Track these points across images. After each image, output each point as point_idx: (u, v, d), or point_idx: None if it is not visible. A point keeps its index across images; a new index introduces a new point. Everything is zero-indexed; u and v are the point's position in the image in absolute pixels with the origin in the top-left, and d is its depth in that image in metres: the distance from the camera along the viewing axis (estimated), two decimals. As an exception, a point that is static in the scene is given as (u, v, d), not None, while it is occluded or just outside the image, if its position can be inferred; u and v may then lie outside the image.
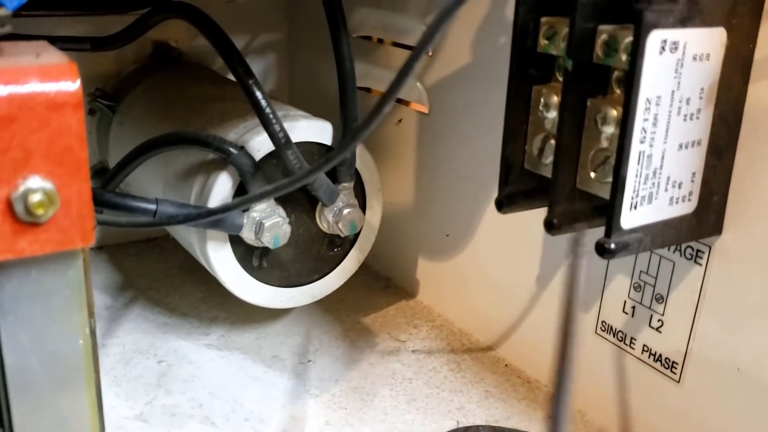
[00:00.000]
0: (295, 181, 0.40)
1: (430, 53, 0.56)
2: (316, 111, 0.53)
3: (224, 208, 0.43)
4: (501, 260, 0.53)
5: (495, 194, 0.53)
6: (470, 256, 0.56)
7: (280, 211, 0.48)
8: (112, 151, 0.62)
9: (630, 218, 0.34)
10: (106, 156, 0.64)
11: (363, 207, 0.53)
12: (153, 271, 0.65)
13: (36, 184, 0.27)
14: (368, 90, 0.63)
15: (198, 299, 0.61)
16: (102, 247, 0.69)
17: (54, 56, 0.30)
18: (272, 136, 0.44)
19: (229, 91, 0.58)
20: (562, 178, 0.36)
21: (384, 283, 0.65)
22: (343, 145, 0.39)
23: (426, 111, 0.58)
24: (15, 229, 0.27)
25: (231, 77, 0.66)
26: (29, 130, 0.27)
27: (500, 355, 0.54)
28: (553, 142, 0.37)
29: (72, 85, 0.28)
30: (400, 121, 0.60)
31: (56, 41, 0.54)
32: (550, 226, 0.36)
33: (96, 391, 0.33)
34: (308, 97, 0.73)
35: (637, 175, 0.33)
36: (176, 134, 0.46)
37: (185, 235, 0.51)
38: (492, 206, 0.53)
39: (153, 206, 0.43)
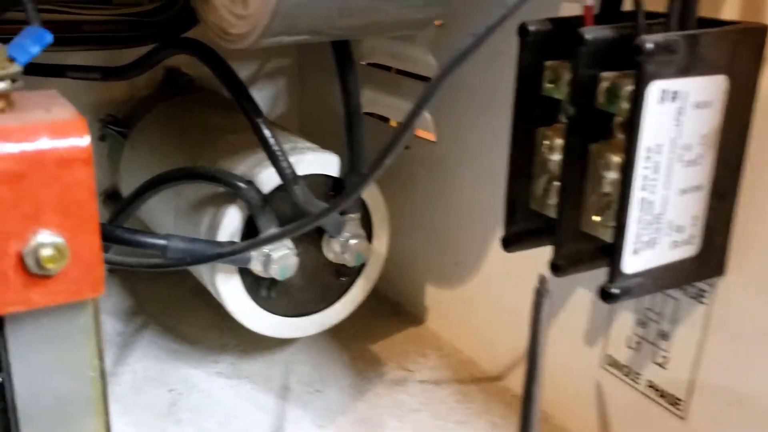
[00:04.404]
0: (308, 222, 0.41)
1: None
2: (326, 135, 0.53)
3: (239, 249, 0.43)
4: (510, 289, 0.54)
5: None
6: (479, 285, 0.56)
7: (288, 242, 0.49)
8: (124, 176, 0.63)
9: (632, 263, 0.34)
10: (118, 180, 0.64)
11: (369, 236, 0.53)
12: (164, 295, 0.66)
13: (47, 239, 0.28)
14: (384, 119, 0.63)
15: (208, 325, 0.61)
16: (113, 271, 0.70)
17: (64, 111, 0.30)
18: (280, 172, 0.45)
19: (239, 121, 0.58)
20: (566, 221, 0.36)
21: (392, 308, 0.65)
22: (357, 184, 0.40)
23: (433, 138, 0.58)
24: (26, 281, 0.28)
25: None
26: (40, 185, 0.28)
27: (508, 386, 0.54)
28: (557, 183, 0.38)
29: (82, 141, 0.28)
30: (407, 147, 0.61)
31: (67, 71, 0.55)
32: (557, 269, 0.37)
33: (105, 429, 0.33)
34: (318, 121, 0.74)
35: (639, 221, 0.33)
36: (186, 170, 0.47)
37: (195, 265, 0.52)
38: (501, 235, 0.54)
39: (163, 242, 0.44)
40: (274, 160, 0.44)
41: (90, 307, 0.31)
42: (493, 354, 0.56)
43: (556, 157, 0.38)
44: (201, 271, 0.50)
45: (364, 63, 0.63)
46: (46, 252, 0.28)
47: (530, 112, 0.38)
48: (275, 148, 0.44)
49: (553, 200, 0.39)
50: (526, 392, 0.33)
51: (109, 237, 0.43)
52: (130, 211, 0.48)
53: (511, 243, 0.41)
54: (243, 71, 0.71)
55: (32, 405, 0.31)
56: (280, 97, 0.74)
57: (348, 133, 0.49)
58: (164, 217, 0.54)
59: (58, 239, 0.28)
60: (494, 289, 0.55)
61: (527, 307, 0.54)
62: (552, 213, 0.39)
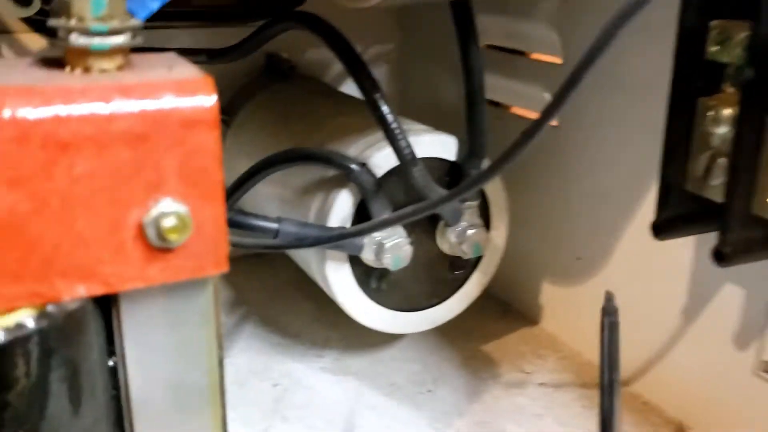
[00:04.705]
0: (426, 207, 0.37)
1: (561, 61, 0.52)
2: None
3: (351, 233, 0.40)
4: (640, 288, 0.49)
5: (634, 214, 0.49)
6: (604, 282, 0.52)
7: (401, 231, 0.46)
8: (227, 166, 0.61)
9: (825, 251, 0.29)
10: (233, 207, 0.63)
11: (487, 226, 0.49)
12: (265, 287, 0.64)
13: (169, 208, 0.25)
14: (495, 104, 0.59)
15: (311, 318, 0.59)
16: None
17: (187, 69, 0.28)
18: (398, 152, 0.41)
19: (346, 105, 0.56)
20: (738, 203, 0.31)
21: (502, 308, 0.61)
22: (485, 173, 0.36)
23: (555, 123, 0.54)
24: (146, 255, 0.25)
25: (345, 90, 0.64)
26: (163, 149, 0.25)
27: (637, 391, 0.49)
28: (723, 161, 0.33)
29: (208, 101, 0.26)
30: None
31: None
32: (721, 257, 0.32)
33: (222, 425, 0.31)
34: (421, 112, 0.70)
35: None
36: (296, 151, 0.44)
37: (302, 253, 0.49)
38: (631, 228, 0.49)
39: (275, 225, 0.41)
40: (392, 138, 0.41)
41: (210, 287, 0.28)
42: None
43: (722, 130, 0.33)
44: (309, 260, 0.47)
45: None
46: (168, 222, 0.25)
47: (691, 80, 0.34)
48: (393, 125, 0.41)
49: (716, 180, 0.34)
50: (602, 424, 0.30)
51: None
52: (239, 195, 0.46)
53: (663, 230, 0.36)
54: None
55: (146, 393, 0.28)
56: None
57: (469, 112, 0.45)
58: (268, 205, 0.52)
59: (182, 208, 0.25)
60: (621, 287, 0.50)
61: (661, 307, 0.49)
62: (714, 195, 0.34)
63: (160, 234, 0.25)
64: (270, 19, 0.48)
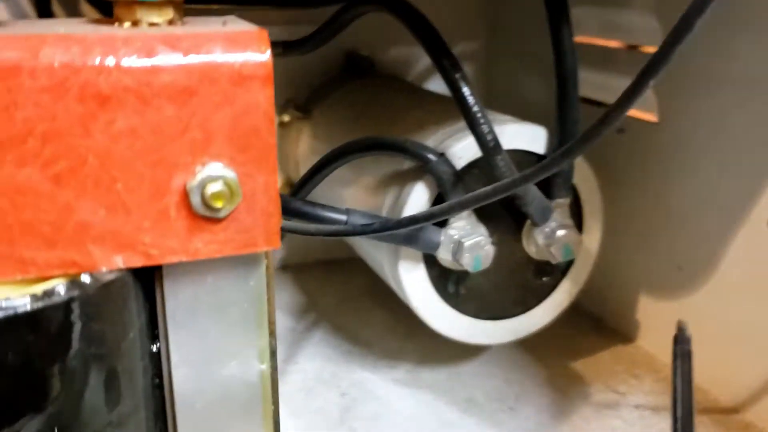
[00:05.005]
0: (509, 186, 0.33)
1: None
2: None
3: (425, 216, 0.36)
4: (753, 302, 0.43)
5: (745, 219, 0.43)
6: (709, 295, 0.46)
7: (482, 229, 0.42)
8: (302, 167, 0.59)
9: None
10: (296, 172, 0.61)
11: (579, 230, 0.45)
12: (337, 293, 0.61)
13: (216, 172, 0.23)
14: (590, 102, 0.55)
15: (384, 327, 0.55)
16: (286, 267, 0.66)
17: (242, 24, 0.25)
18: (479, 138, 0.38)
19: (426, 99, 0.53)
20: None
21: (594, 323, 0.56)
22: (572, 149, 0.31)
23: (655, 119, 0.49)
24: (190, 225, 0.23)
25: (428, 88, 0.61)
26: (211, 106, 0.22)
27: (749, 420, 0.43)
28: None
29: (261, 56, 0.23)
30: (621, 130, 0.52)
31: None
32: None
33: (274, 426, 0.28)
34: (508, 112, 0.66)
35: None
36: (371, 139, 0.41)
37: (375, 253, 0.46)
38: (741, 234, 0.43)
39: (344, 216, 0.39)
40: (473, 123, 0.37)
41: (262, 266, 0.25)
42: (727, 381, 0.45)
43: None
44: (382, 260, 0.44)
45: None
46: (214, 187, 0.22)
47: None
48: (475, 108, 0.37)
49: None
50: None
51: (288, 209, 0.38)
52: (312, 185, 0.43)
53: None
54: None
55: (190, 382, 0.26)
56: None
57: (559, 100, 0.41)
58: (340, 199, 0.49)
59: (230, 173, 0.23)
60: (730, 301, 0.45)
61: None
62: None
63: (206, 201, 0.22)
64: (346, 3, 0.46)
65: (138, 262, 0.23)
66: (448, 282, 0.44)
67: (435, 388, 0.48)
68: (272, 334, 0.27)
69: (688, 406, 0.32)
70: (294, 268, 0.66)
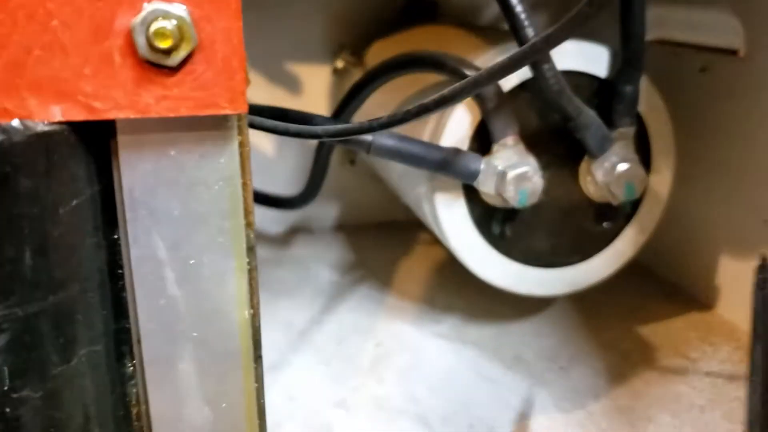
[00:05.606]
0: (519, 59, 0.26)
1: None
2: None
3: (431, 104, 0.29)
4: None
5: None
6: (803, 249, 0.40)
7: (531, 160, 0.37)
8: (357, 117, 0.55)
9: None
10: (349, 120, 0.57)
11: (646, 169, 0.40)
12: (390, 253, 0.57)
13: (164, 7, 0.19)
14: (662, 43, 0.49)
15: (435, 284, 0.51)
16: (341, 227, 0.63)
17: None
18: (522, 42, 0.33)
19: (483, 31, 0.48)
20: None
21: (667, 290, 0.50)
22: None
23: (741, 54, 0.43)
24: (138, 74, 0.20)
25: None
26: (162, -67, 0.19)
27: None
28: None
29: None
30: (703, 69, 0.46)
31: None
32: None
33: (252, 333, 0.24)
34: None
35: None
36: (407, 55, 0.38)
37: (414, 191, 0.42)
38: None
39: (369, 137, 0.35)
40: (517, 26, 0.33)
41: (235, 143, 0.22)
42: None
43: None
44: (419, 194, 0.40)
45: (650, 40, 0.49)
46: (160, 24, 0.19)
47: None
48: (518, 9, 0.33)
49: None
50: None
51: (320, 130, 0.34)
52: (353, 107, 0.40)
53: None
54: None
55: (153, 275, 0.23)
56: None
57: (623, 11, 0.36)
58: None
59: (179, 11, 0.19)
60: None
61: None
62: None
63: (151, 42, 0.19)
64: None
65: (79, 115, 0.20)
66: (493, 221, 0.39)
67: (480, 344, 0.43)
68: (249, 225, 0.23)
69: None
70: (349, 229, 0.62)
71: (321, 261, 0.55)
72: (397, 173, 0.46)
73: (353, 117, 0.42)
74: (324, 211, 0.62)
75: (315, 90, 0.58)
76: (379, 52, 0.54)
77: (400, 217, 0.62)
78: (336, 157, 0.59)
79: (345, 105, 0.40)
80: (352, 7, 0.57)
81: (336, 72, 0.57)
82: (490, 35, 0.46)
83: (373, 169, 0.55)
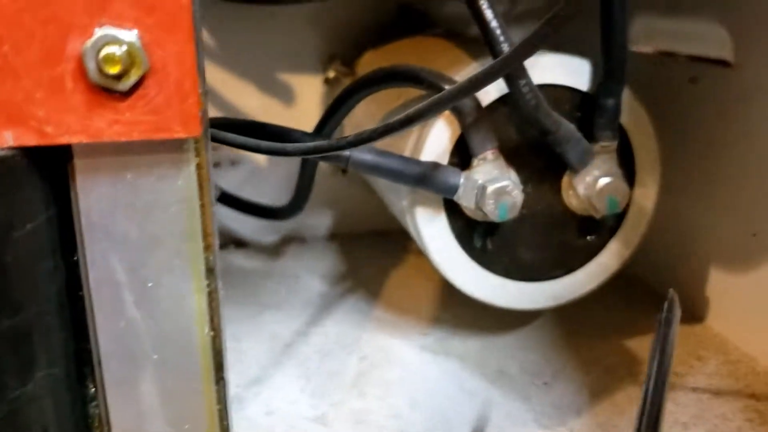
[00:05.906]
0: (487, 75, 0.27)
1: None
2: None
3: (396, 125, 0.30)
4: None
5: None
6: (789, 263, 0.39)
7: (512, 174, 0.37)
8: (348, 127, 0.55)
9: None
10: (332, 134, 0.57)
11: (631, 181, 0.39)
12: (381, 263, 0.57)
13: (114, 33, 0.19)
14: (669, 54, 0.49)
15: (423, 298, 0.51)
16: (334, 236, 0.63)
17: None
18: (496, 56, 0.33)
19: (468, 43, 0.48)
20: None
21: (656, 300, 0.49)
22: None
23: (730, 64, 0.42)
24: (90, 98, 0.20)
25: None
26: (113, -42, 0.19)
27: (834, 411, 0.36)
28: None
29: None
30: (693, 79, 0.45)
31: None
32: None
33: (214, 355, 0.24)
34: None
35: None
36: (384, 70, 0.37)
37: (397, 200, 0.42)
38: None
39: (347, 152, 0.35)
40: (492, 42, 0.33)
41: (192, 165, 0.22)
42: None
43: None
44: (402, 207, 0.40)
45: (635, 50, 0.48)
46: (109, 50, 0.19)
47: None
48: (493, 24, 0.33)
49: None
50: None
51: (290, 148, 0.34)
52: (333, 123, 0.40)
53: None
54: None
55: (112, 297, 0.23)
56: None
57: (603, 20, 0.35)
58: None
59: (130, 36, 0.19)
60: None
61: None
62: None
63: (101, 67, 0.19)
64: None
65: (31, 140, 0.20)
66: (475, 235, 0.39)
67: (465, 357, 0.43)
68: (208, 248, 0.23)
69: (663, 376, 0.26)
70: (342, 237, 0.62)
71: (312, 271, 0.55)
72: (383, 185, 0.46)
73: (337, 131, 0.42)
74: (317, 220, 0.62)
75: (307, 100, 0.58)
76: (370, 63, 0.54)
77: (393, 225, 0.62)
78: (328, 166, 0.59)
79: (326, 120, 0.40)
80: (343, 17, 0.57)
81: (327, 82, 0.57)
82: (475, 47, 0.46)
83: (364, 178, 0.55)
